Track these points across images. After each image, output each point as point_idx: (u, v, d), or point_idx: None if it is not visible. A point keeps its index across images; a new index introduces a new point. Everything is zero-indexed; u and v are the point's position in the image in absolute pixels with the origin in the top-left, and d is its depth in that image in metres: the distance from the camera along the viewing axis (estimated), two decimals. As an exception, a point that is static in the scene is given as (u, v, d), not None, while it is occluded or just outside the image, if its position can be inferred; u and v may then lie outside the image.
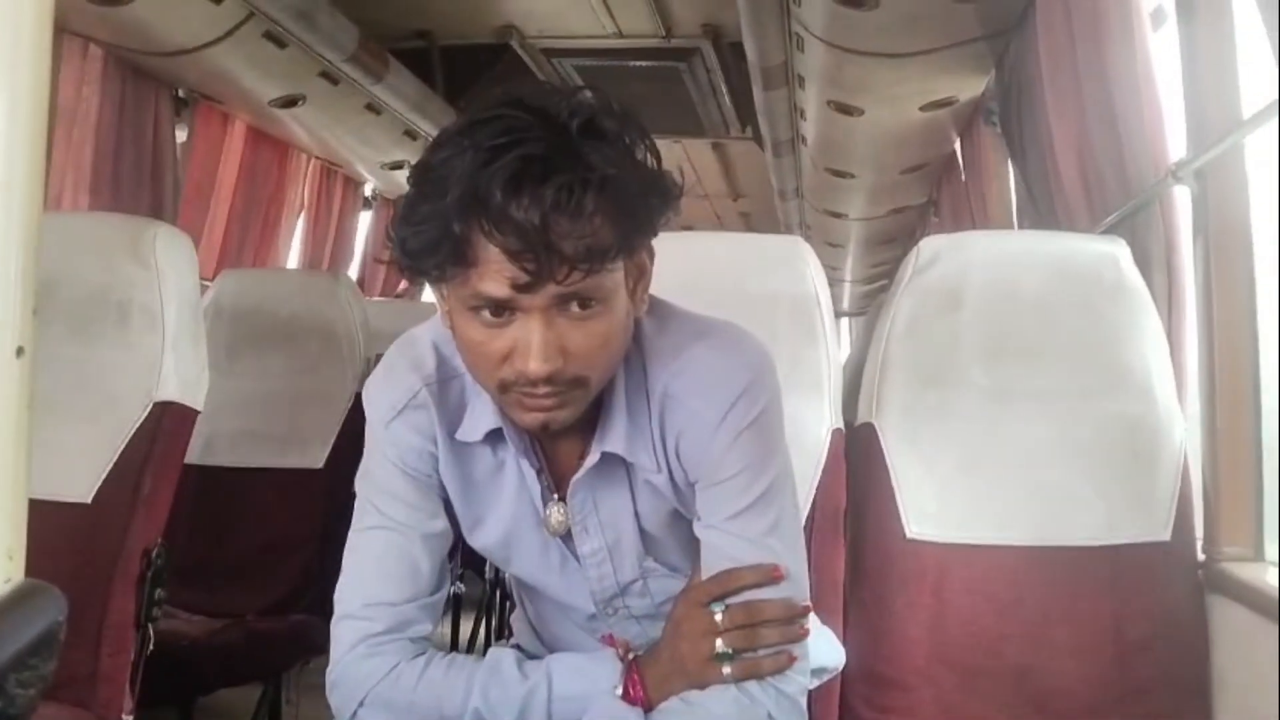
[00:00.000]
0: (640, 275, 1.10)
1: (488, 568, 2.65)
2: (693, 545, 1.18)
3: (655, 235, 1.06)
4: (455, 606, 3.34)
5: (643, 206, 1.01)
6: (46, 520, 1.90)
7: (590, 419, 1.13)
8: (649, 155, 1.02)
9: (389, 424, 1.19)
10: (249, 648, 2.42)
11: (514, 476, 1.20)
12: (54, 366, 1.92)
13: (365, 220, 5.53)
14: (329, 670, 1.18)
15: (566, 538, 1.22)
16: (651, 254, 1.11)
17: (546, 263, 0.95)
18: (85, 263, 1.98)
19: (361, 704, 1.14)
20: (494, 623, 3.42)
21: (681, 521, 1.20)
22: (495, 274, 0.96)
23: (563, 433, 1.13)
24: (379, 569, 1.18)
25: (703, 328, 1.18)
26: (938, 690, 1.74)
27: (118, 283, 1.96)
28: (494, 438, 1.17)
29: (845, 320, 9.38)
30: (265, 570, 2.62)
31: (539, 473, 1.18)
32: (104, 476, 1.86)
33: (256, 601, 2.56)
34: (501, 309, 1.00)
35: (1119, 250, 1.89)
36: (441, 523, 1.22)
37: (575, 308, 1.00)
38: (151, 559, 1.86)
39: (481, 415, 1.16)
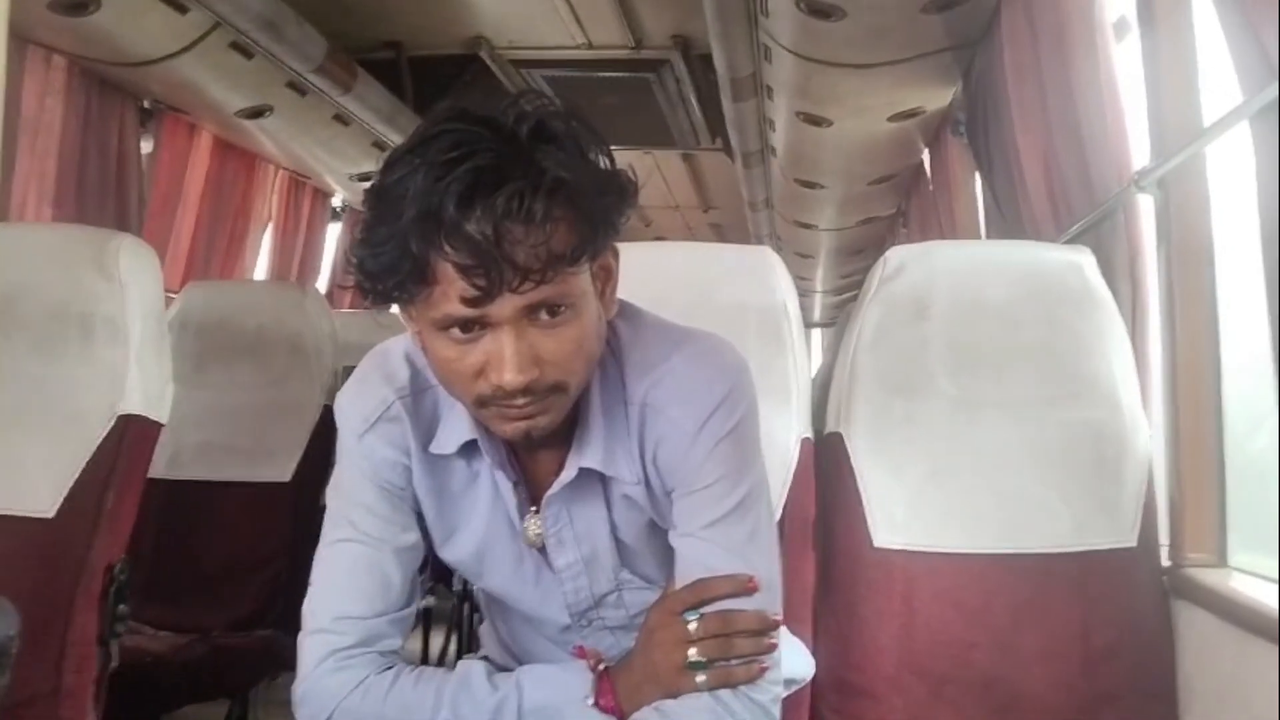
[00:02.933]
0: (607, 278, 1.10)
1: (455, 580, 2.63)
2: (668, 557, 1.17)
3: (617, 235, 1.06)
4: (426, 620, 3.32)
5: (599, 206, 1.00)
6: (8, 535, 1.88)
7: (567, 431, 1.13)
8: (601, 155, 1.02)
9: (361, 436, 1.18)
10: (215, 664, 2.39)
11: (488, 489, 1.19)
12: (16, 380, 1.89)
13: (334, 232, 5.50)
14: (296, 685, 1.16)
15: (542, 550, 1.21)
16: (616, 255, 1.10)
17: (498, 275, 0.94)
18: (47, 275, 1.96)
19: (329, 719, 1.13)
20: (464, 636, 3.39)
21: (658, 533, 1.19)
22: (452, 290, 0.96)
23: (540, 444, 1.12)
24: (349, 582, 1.17)
25: (680, 337, 1.18)
26: (907, 699, 1.74)
27: (81, 295, 1.94)
28: (468, 450, 1.16)
29: (816, 331, 9.41)
30: (231, 585, 2.59)
31: (515, 485, 1.17)
32: (67, 491, 1.83)
33: (223, 617, 2.53)
34: (470, 324, 0.99)
35: (1084, 259, 1.90)
36: (413, 536, 1.20)
37: (544, 315, 1.00)
38: (115, 574, 1.83)
39: (456, 427, 1.15)
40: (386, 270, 0.97)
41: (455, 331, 1.00)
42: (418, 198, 0.93)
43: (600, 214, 1.00)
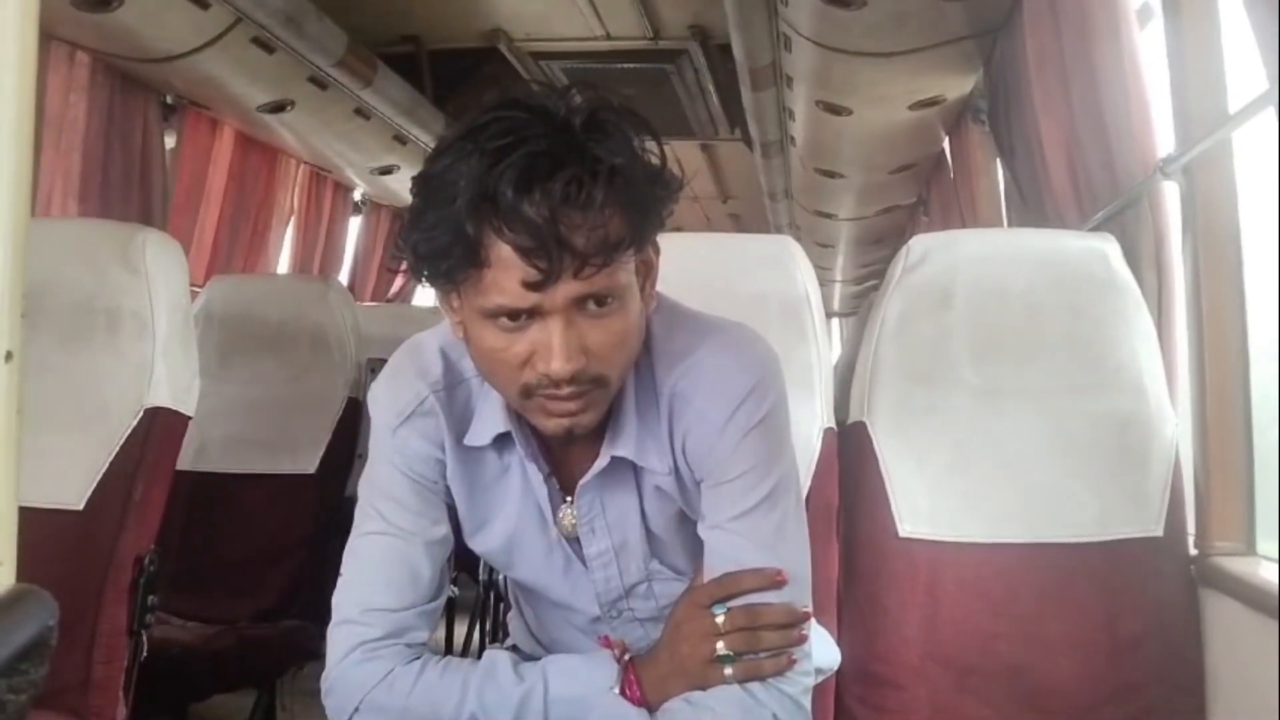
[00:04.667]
0: (648, 272, 1.10)
1: (481, 569, 2.65)
2: (698, 549, 1.17)
3: (662, 227, 1.06)
4: (449, 610, 3.33)
5: (649, 197, 1.01)
6: (38, 527, 1.88)
7: (601, 421, 1.13)
8: (649, 149, 1.02)
9: (395, 430, 1.19)
10: (242, 654, 2.41)
11: (519, 480, 1.20)
12: (44, 374, 1.91)
13: (355, 225, 5.51)
14: (324, 675, 1.17)
15: (572, 540, 1.22)
16: (657, 250, 1.11)
17: (558, 259, 0.95)
18: (75, 270, 1.97)
19: (357, 710, 1.14)
20: (489, 625, 3.41)
21: (688, 524, 1.20)
22: (508, 275, 0.96)
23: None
24: (379, 575, 1.18)
25: (710, 328, 1.18)
26: (932, 689, 1.74)
27: (107, 289, 1.96)
28: (500, 442, 1.17)
29: (836, 321, 9.39)
30: (258, 576, 2.62)
31: (547, 477, 1.18)
32: (95, 483, 1.85)
33: (249, 607, 2.56)
34: (519, 314, 1.00)
35: (1108, 247, 1.89)
36: (444, 529, 1.21)
37: (592, 306, 1.00)
38: (144, 565, 1.85)
39: (489, 419, 1.16)
40: (438, 253, 0.98)
41: (504, 320, 1.00)
42: (472, 182, 0.94)
43: (650, 204, 1.01)
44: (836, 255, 7.05)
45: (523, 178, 0.93)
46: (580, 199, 0.94)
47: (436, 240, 0.97)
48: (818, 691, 1.59)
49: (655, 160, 1.02)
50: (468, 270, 0.98)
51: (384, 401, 1.20)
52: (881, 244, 6.28)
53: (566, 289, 0.97)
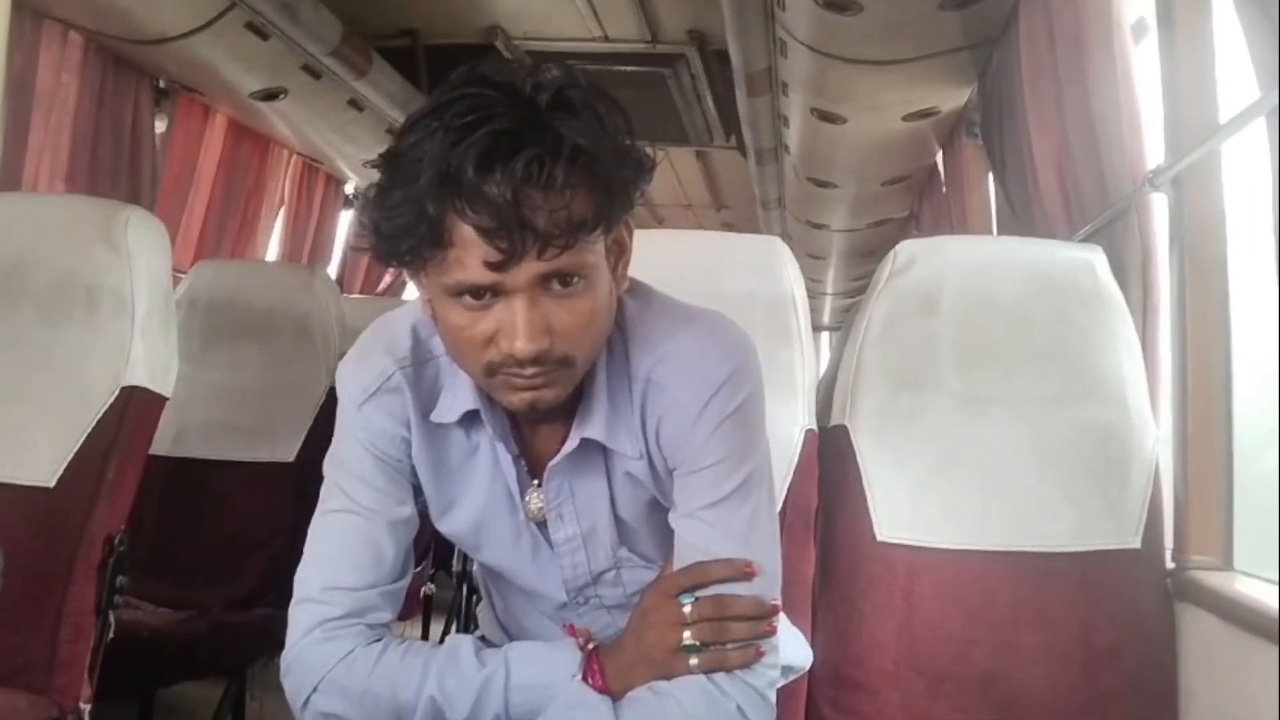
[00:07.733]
0: (621, 252, 1.09)
1: (455, 559, 2.63)
2: (668, 536, 1.16)
3: (632, 208, 1.05)
4: (426, 608, 3.31)
5: (617, 177, 0.99)
6: (7, 503, 1.88)
7: (571, 404, 1.12)
8: (619, 128, 1.01)
9: (361, 407, 1.18)
10: (212, 640, 2.39)
11: (488, 461, 1.18)
12: (21, 348, 1.90)
13: (346, 218, 5.49)
14: (284, 654, 1.16)
15: (540, 525, 1.20)
16: (630, 230, 1.10)
17: (520, 240, 0.94)
18: (55, 245, 1.96)
19: (315, 690, 1.12)
20: (464, 623, 3.40)
21: (658, 512, 1.19)
22: (470, 255, 0.95)
23: (543, 417, 1.12)
24: (341, 553, 1.16)
25: (687, 314, 1.17)
26: (904, 694, 1.73)
27: (88, 266, 1.94)
28: (469, 420, 1.16)
29: (824, 334, 9.37)
30: (232, 564, 2.60)
31: (516, 458, 1.17)
32: (68, 461, 1.83)
33: (222, 595, 2.54)
34: (483, 292, 0.98)
35: (1095, 258, 1.89)
36: (408, 509, 1.20)
37: (558, 285, 0.99)
38: (114, 545, 1.83)
39: (457, 397, 1.15)
40: (402, 232, 0.97)
41: (467, 299, 0.99)
42: (435, 160, 0.93)
43: (617, 185, 1.00)
44: (827, 268, 7.05)
45: (485, 157, 0.92)
46: (542, 179, 0.92)
47: (399, 219, 0.96)
48: (788, 693, 1.59)
49: (626, 140, 1.01)
50: (431, 251, 0.97)
51: (350, 377, 1.19)
52: (872, 258, 6.27)
53: (529, 268, 0.96)
